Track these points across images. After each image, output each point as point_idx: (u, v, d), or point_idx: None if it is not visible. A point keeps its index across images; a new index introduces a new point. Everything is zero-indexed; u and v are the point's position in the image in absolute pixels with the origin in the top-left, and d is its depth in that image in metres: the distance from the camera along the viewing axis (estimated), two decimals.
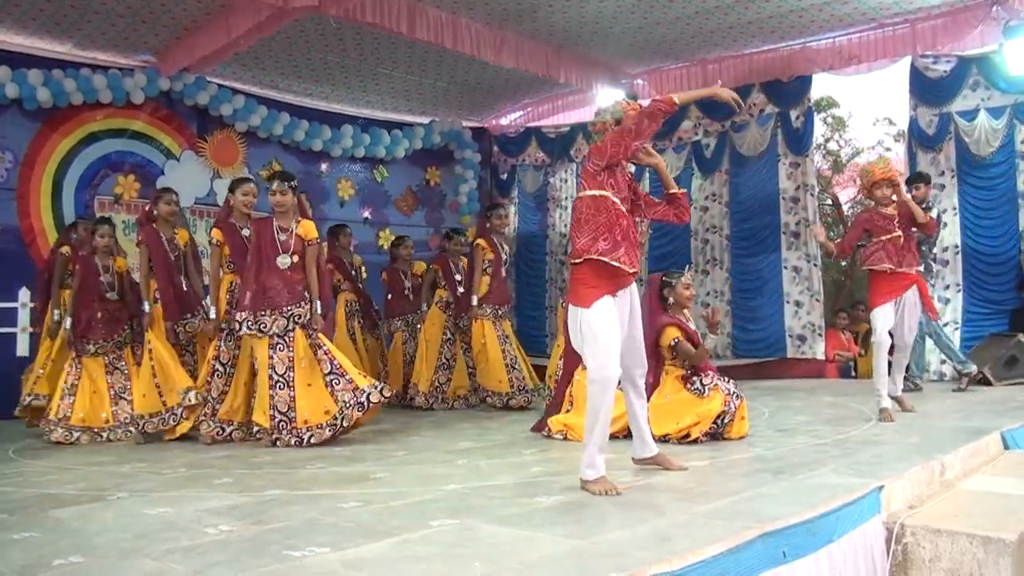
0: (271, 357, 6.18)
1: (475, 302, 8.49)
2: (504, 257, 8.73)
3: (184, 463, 5.58)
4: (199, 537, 3.40)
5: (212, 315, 6.66)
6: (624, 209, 4.23)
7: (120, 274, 7.36)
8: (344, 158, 11.90)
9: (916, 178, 8.39)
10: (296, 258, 6.33)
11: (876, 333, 6.45)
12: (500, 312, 8.60)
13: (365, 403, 6.21)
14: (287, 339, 6.22)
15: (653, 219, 4.73)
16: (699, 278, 11.55)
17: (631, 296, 4.30)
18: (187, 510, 3.94)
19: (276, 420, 6.10)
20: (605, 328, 4.06)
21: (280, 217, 6.37)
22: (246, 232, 6.74)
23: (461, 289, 8.90)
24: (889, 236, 6.44)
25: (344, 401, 6.20)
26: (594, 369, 4.06)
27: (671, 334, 5.89)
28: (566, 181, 13.10)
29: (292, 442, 6.06)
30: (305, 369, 6.23)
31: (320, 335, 6.38)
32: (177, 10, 8.50)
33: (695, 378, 5.79)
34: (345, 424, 6.23)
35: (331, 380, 6.26)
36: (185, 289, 7.08)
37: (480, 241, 8.63)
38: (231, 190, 6.91)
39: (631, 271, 4.18)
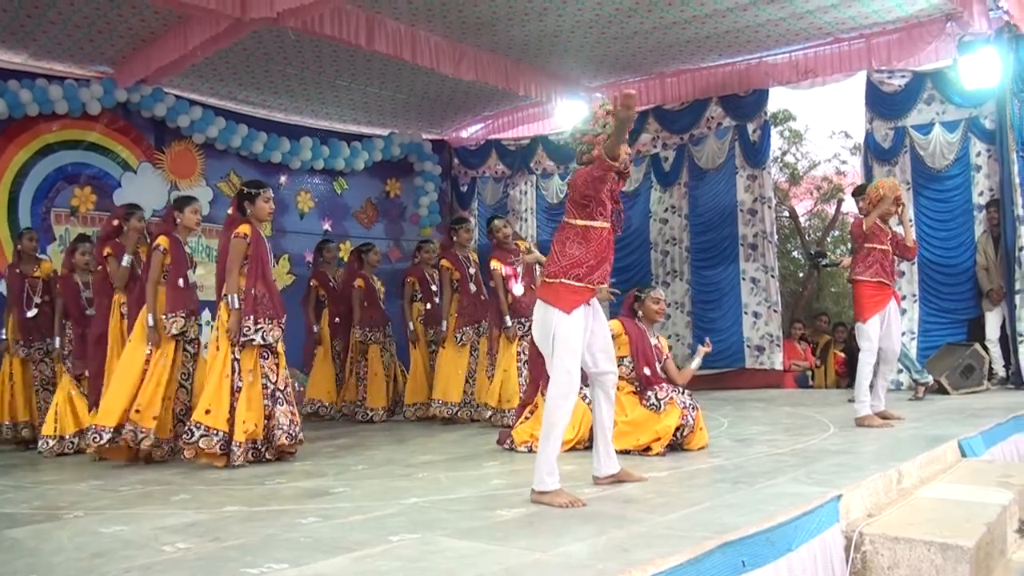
0: (262, 367, 6.08)
1: (444, 327, 8.49)
2: (471, 271, 8.61)
3: (140, 480, 5.51)
4: (156, 555, 3.35)
5: (151, 323, 6.37)
6: (608, 226, 4.32)
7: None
8: (303, 170, 11.82)
9: (860, 189, 8.19)
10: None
11: (868, 345, 6.53)
12: (480, 329, 8.51)
13: (300, 436, 6.26)
14: (270, 348, 6.15)
15: None
16: (659, 288, 11.62)
17: (595, 302, 4.36)
18: (144, 528, 3.89)
19: (270, 428, 6.04)
20: (577, 336, 4.16)
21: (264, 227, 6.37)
22: (187, 249, 6.70)
23: (438, 300, 8.90)
24: (883, 248, 6.68)
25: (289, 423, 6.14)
26: (561, 372, 4.11)
27: (611, 325, 5.98)
28: (526, 193, 13.10)
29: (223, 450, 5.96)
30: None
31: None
32: (134, 21, 8.42)
33: (649, 393, 5.81)
34: (268, 455, 6.12)
35: (279, 399, 6.14)
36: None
37: (443, 262, 8.59)
38: (179, 208, 6.68)
39: (595, 287, 4.26)
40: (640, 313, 6.10)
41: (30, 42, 8.80)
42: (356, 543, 3.39)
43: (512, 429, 6.36)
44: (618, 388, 5.91)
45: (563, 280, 4.20)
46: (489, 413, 7.87)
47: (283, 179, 11.65)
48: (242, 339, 5.98)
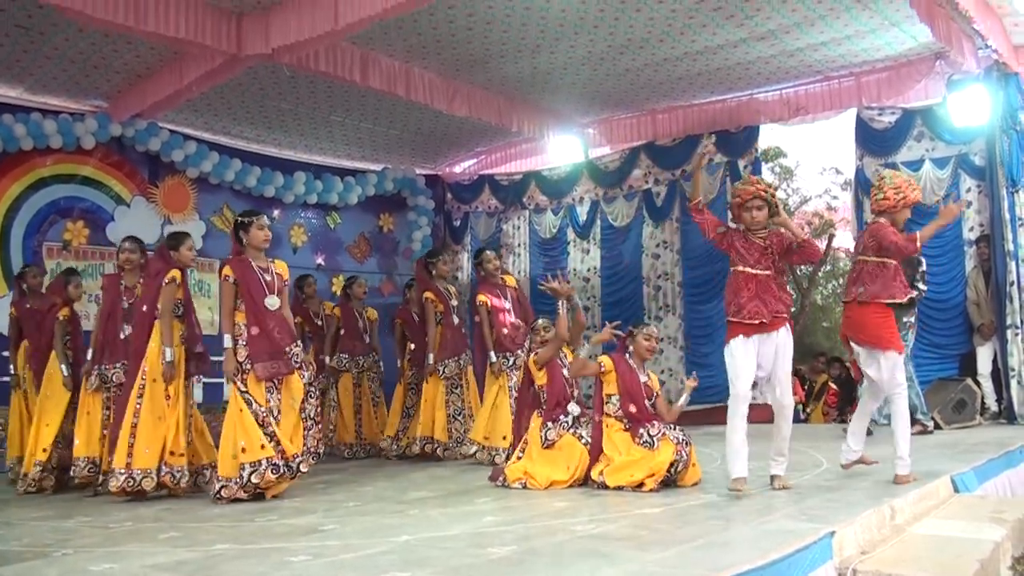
0: (268, 401, 6.00)
1: (431, 360, 8.30)
2: (454, 303, 8.53)
3: (129, 516, 5.47)
4: None
5: (169, 357, 6.40)
6: (756, 271, 5.26)
7: None
8: (297, 204, 11.85)
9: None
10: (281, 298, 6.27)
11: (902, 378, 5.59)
12: (461, 362, 8.40)
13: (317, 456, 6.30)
14: (276, 381, 6.07)
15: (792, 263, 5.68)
16: (653, 325, 11.62)
17: (777, 337, 5.26)
18: (133, 566, 3.85)
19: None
20: (735, 359, 5.21)
21: (260, 258, 6.28)
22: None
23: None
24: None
25: (307, 448, 6.12)
26: (730, 388, 5.21)
27: (602, 358, 6.13)
28: (519, 228, 13.14)
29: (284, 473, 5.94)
30: (293, 409, 6.08)
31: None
32: (130, 56, 8.47)
33: (641, 431, 5.79)
34: (296, 472, 6.08)
35: (309, 425, 6.15)
36: (123, 337, 6.90)
37: (428, 294, 8.46)
38: (174, 247, 6.75)
39: (759, 321, 5.20)
40: (631, 349, 6.12)
41: (26, 76, 8.84)
42: None
43: (505, 466, 6.33)
44: (608, 426, 5.95)
45: (727, 319, 5.32)
46: (474, 449, 7.73)
47: (276, 213, 11.66)
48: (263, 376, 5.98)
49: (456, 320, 8.50)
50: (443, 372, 8.29)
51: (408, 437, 8.69)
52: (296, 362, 6.14)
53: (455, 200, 13.65)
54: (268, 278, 6.19)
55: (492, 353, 7.78)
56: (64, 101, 9.54)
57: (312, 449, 6.20)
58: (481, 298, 7.98)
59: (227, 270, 6.17)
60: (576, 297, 6.79)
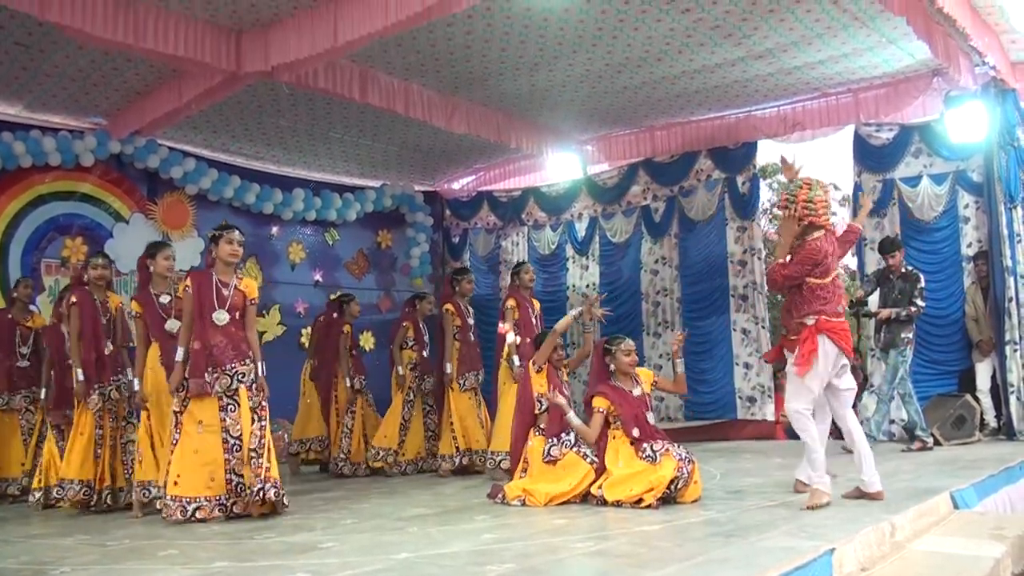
0: (223, 420, 5.90)
1: (449, 370, 8.43)
2: (471, 321, 8.71)
3: (128, 535, 5.46)
4: None
5: (136, 387, 6.46)
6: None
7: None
8: (295, 221, 11.85)
9: (889, 245, 8.57)
10: (237, 315, 6.09)
11: None
12: (479, 376, 8.62)
13: (272, 495, 5.86)
14: (235, 399, 5.96)
15: None
16: (651, 340, 11.62)
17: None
18: None
19: (234, 483, 5.85)
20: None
21: (226, 272, 6.16)
22: (164, 299, 6.63)
23: (427, 353, 9.00)
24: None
25: (260, 481, 5.83)
26: None
27: (596, 403, 6.02)
28: (518, 244, 13.16)
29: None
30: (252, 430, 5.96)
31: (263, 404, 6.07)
32: (129, 74, 8.49)
33: (645, 446, 5.79)
34: (236, 510, 5.91)
35: (251, 457, 5.85)
36: (107, 354, 6.86)
37: (448, 306, 8.63)
38: (151, 255, 6.72)
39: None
40: (612, 367, 6.08)
41: (25, 94, 8.86)
42: None
43: (504, 483, 6.33)
44: (614, 438, 5.94)
45: None
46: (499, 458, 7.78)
47: (275, 230, 11.68)
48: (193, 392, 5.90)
49: (472, 337, 8.67)
50: (464, 385, 8.49)
51: (408, 450, 8.84)
52: (241, 380, 5.97)
53: (454, 217, 13.67)
54: (225, 293, 6.06)
55: (515, 358, 7.79)
56: (63, 118, 9.56)
57: (256, 488, 5.81)
58: (510, 303, 8.13)
59: (188, 281, 6.15)
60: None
